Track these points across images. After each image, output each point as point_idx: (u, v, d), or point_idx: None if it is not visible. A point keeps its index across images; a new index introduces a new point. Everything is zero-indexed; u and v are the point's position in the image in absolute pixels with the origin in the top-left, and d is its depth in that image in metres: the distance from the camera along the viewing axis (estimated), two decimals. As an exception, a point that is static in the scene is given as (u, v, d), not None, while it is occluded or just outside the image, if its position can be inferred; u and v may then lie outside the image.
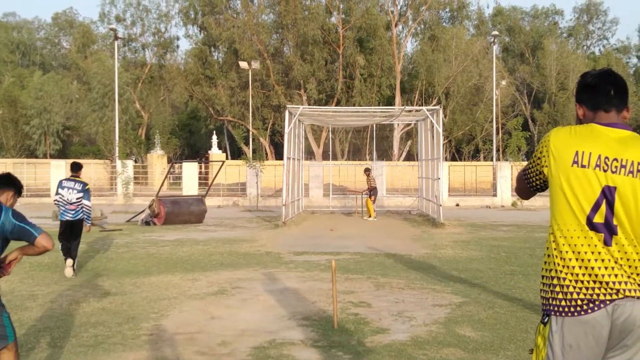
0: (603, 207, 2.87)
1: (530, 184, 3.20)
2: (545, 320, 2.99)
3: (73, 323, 7.76)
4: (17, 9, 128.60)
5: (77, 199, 11.37)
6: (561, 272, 2.91)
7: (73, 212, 11.40)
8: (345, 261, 12.93)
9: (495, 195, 34.23)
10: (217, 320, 7.95)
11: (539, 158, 3.07)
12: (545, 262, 3.03)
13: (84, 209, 11.44)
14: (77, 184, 11.47)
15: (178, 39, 70.88)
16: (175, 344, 6.81)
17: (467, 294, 9.56)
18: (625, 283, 2.84)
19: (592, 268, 2.85)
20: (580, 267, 2.87)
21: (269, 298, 9.31)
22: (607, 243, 2.87)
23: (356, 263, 12.77)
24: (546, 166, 3.01)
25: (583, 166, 2.89)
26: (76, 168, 11.79)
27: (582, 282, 2.86)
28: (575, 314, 2.86)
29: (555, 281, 2.93)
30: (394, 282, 10.63)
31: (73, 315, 8.18)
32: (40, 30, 79.80)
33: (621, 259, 2.86)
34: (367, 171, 24.70)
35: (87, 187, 11.55)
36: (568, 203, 2.92)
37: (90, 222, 11.69)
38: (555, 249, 2.95)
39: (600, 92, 3.02)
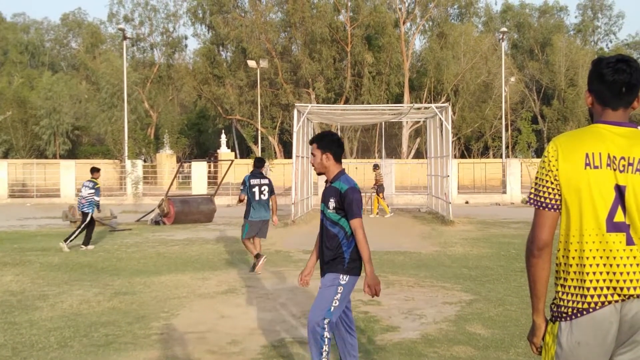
0: (620, 206, 2.81)
1: (549, 205, 2.89)
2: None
3: (83, 322, 7.78)
4: (26, 10, 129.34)
5: (88, 194, 14.67)
6: (572, 280, 2.86)
7: (81, 205, 14.83)
8: (354, 259, 12.89)
9: (504, 192, 34.12)
10: (227, 319, 7.96)
11: (549, 170, 2.88)
12: (556, 271, 2.97)
13: (92, 201, 14.69)
14: (89, 182, 14.83)
15: (186, 38, 71.27)
16: (185, 343, 6.82)
17: (477, 292, 9.53)
18: (635, 288, 2.79)
19: (608, 273, 2.78)
20: (594, 274, 2.80)
21: (278, 296, 9.31)
22: (630, 242, 2.80)
23: (366, 261, 12.73)
24: (557, 170, 2.86)
25: (596, 167, 2.81)
26: (92, 171, 15.14)
27: (594, 288, 2.80)
28: (584, 312, 2.82)
29: (568, 289, 2.87)
30: (403, 279, 10.61)
31: (83, 315, 8.20)
32: (49, 31, 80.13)
33: (635, 257, 2.81)
34: (376, 167, 24.81)
35: (97, 186, 14.82)
36: (586, 208, 2.82)
37: (98, 207, 15.12)
38: (565, 257, 2.88)
39: (612, 89, 2.90)
